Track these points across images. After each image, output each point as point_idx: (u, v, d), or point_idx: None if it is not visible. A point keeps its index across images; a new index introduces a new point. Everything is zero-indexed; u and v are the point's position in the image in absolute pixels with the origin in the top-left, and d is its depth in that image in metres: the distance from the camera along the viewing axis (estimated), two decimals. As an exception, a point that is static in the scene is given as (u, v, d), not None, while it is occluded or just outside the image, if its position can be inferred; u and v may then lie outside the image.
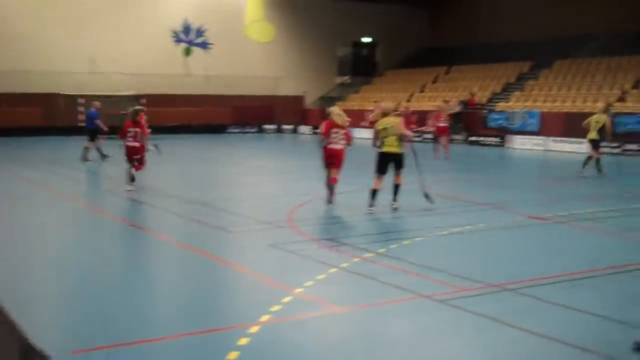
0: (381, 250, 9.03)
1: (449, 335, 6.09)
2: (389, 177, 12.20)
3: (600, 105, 21.09)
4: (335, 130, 12.60)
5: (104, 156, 21.12)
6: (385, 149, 12.16)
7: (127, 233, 11.03)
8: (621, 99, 28.96)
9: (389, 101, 18.89)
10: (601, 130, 18.33)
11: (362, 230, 10.71)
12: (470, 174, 20.07)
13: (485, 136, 31.77)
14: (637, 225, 11.38)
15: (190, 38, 40.59)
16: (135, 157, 15.03)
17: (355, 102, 42.10)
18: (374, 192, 12.09)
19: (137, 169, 15.10)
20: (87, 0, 37.03)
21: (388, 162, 12.18)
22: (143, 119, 15.69)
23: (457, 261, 8.63)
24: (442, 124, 23.96)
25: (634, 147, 25.77)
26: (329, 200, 12.67)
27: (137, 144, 15.06)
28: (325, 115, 13.26)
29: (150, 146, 16.65)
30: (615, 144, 25.75)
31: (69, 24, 36.33)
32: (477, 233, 10.45)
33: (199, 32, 40.75)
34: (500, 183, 17.66)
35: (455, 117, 32.93)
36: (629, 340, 5.59)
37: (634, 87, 29.66)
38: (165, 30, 39.57)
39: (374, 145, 12.33)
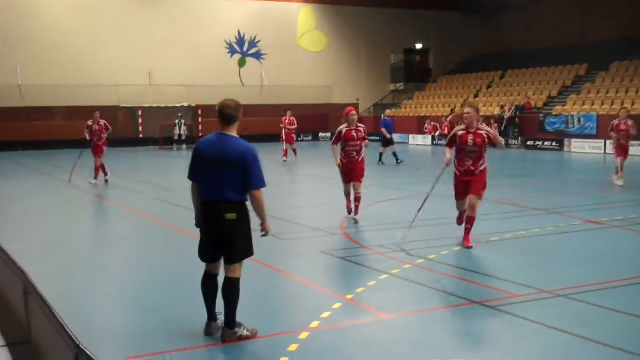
0: (432, 257, 8.99)
1: (498, 342, 6.05)
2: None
3: None
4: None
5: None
6: None
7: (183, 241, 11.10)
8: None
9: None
10: None
11: (413, 236, 10.59)
12: (526, 179, 19.77)
13: (543, 140, 31.28)
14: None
15: (244, 49, 41.20)
16: None
17: (410, 109, 41.98)
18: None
19: None
20: (143, 15, 37.97)
21: None
22: None
23: (507, 267, 8.54)
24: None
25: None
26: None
27: None
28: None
29: None
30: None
31: (126, 39, 37.31)
32: (531, 239, 10.28)
33: (252, 43, 41.34)
34: (557, 188, 17.33)
35: (510, 122, 32.48)
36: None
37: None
38: (219, 42, 40.27)
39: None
